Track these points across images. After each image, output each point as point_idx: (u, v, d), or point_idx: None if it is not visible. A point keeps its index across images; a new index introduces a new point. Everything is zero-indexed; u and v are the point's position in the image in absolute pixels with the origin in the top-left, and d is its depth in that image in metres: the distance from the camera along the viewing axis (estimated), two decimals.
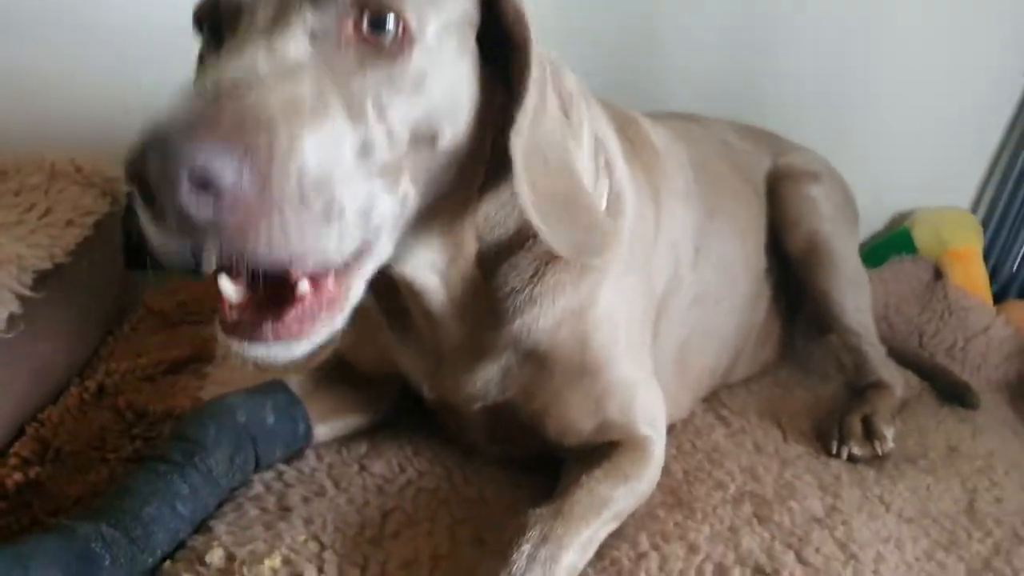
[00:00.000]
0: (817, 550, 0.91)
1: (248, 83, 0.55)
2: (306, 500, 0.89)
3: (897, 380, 1.33)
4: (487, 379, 0.89)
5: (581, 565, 0.80)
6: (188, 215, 0.51)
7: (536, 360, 0.88)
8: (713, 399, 1.27)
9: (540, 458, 0.96)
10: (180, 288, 1.50)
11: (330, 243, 0.58)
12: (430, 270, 0.81)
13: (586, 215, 0.77)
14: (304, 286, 0.61)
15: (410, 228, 0.72)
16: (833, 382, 1.41)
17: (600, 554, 0.84)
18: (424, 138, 0.67)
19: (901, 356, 1.45)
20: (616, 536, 0.87)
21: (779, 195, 1.32)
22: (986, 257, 1.80)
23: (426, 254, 0.79)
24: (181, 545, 0.80)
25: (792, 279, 1.34)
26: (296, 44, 0.60)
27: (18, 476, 0.90)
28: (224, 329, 0.61)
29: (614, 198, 0.91)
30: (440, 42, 0.66)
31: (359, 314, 0.70)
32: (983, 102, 1.83)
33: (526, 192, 0.70)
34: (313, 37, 0.61)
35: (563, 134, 0.77)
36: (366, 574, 0.78)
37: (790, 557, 0.89)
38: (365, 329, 0.95)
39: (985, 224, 1.86)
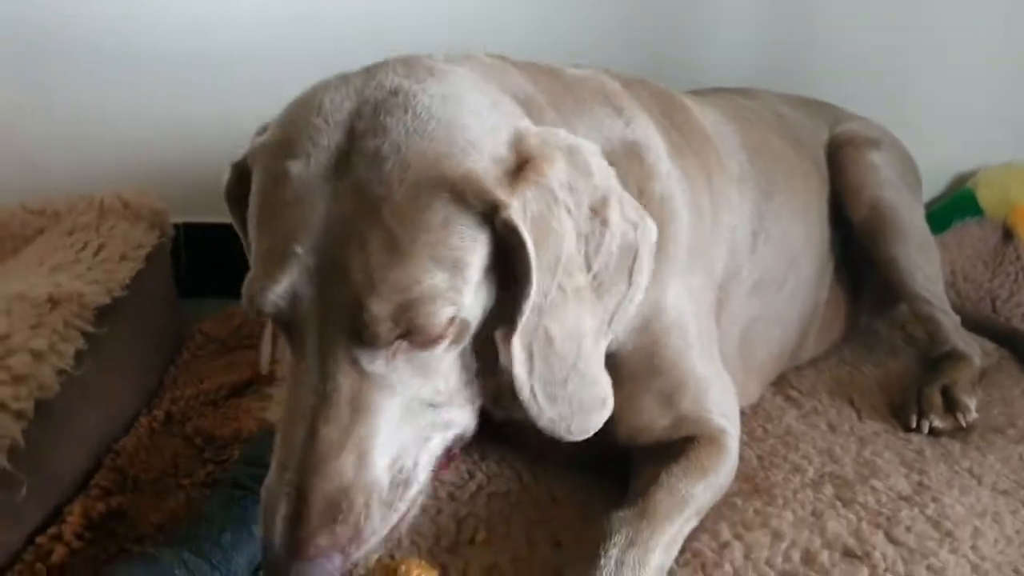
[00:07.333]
0: (908, 529, 0.87)
1: (322, 469, 0.64)
2: None
3: (974, 349, 1.27)
4: None
5: (668, 564, 0.79)
6: None
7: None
8: (781, 381, 1.23)
9: (608, 453, 0.94)
10: (234, 314, 1.52)
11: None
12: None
13: (587, 390, 0.75)
14: None
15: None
16: (902, 357, 1.35)
17: (682, 548, 0.82)
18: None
19: (975, 324, 1.38)
20: (696, 528, 0.85)
21: (839, 163, 1.28)
22: None
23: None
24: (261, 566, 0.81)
25: (857, 251, 1.29)
26: (344, 379, 0.65)
27: (101, 506, 0.92)
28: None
29: (658, 203, 0.88)
30: (470, 306, 0.67)
31: None
32: None
33: (523, 377, 0.71)
34: (359, 368, 0.65)
35: (577, 316, 0.73)
36: None
37: (879, 537, 0.85)
38: None
39: None
